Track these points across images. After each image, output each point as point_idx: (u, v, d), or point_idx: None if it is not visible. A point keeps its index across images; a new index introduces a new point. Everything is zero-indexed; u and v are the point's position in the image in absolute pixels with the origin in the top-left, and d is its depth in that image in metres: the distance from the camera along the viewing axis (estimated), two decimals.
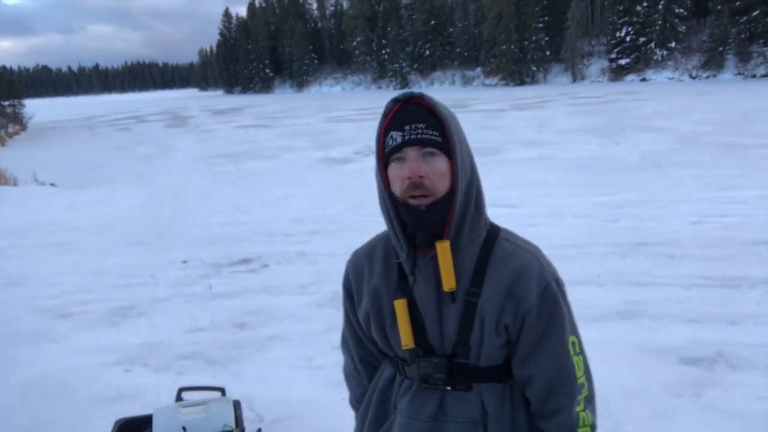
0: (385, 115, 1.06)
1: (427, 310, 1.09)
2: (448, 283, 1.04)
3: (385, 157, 1.06)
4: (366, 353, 1.30)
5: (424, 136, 1.02)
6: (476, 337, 1.07)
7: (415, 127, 1.02)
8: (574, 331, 1.12)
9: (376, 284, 1.16)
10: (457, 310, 1.07)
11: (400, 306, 1.09)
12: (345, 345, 1.35)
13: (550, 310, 1.07)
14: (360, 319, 1.22)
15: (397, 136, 1.03)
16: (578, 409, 1.10)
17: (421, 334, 1.10)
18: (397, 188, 1.04)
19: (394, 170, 1.04)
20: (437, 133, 1.03)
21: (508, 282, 1.06)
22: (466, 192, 1.05)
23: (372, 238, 1.25)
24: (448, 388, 1.11)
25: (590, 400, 1.13)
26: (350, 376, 1.37)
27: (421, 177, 1.01)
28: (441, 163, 1.02)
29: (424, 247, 1.07)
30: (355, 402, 1.37)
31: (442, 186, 1.03)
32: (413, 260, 1.09)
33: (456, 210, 1.04)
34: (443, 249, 1.03)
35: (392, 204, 1.06)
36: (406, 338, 1.09)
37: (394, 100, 1.06)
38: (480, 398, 1.11)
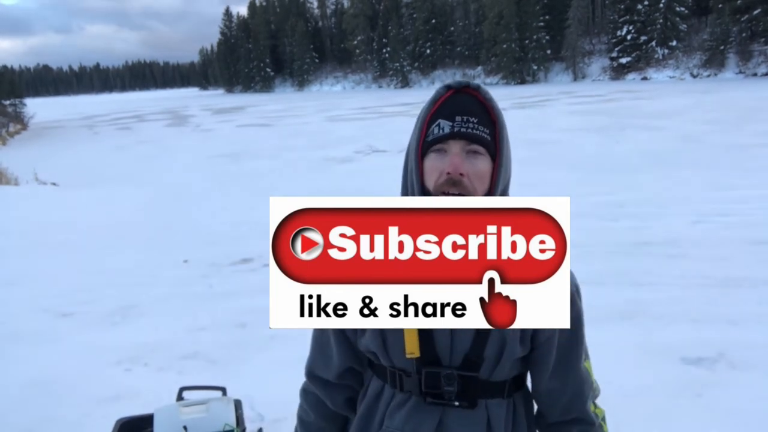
0: (434, 101, 0.98)
1: None
2: None
3: (425, 145, 0.98)
4: (352, 360, 1.13)
5: (474, 131, 0.95)
6: (494, 348, 0.99)
7: (466, 119, 0.95)
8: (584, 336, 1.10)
9: None
10: None
11: None
12: (311, 373, 1.19)
13: (576, 318, 1.02)
14: None
15: (445, 125, 0.95)
16: (592, 408, 1.10)
17: (428, 341, 0.99)
18: (431, 181, 0.97)
19: (433, 161, 0.96)
20: (488, 131, 0.96)
21: None
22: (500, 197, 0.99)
23: None
24: (456, 403, 1.00)
25: (596, 396, 1.13)
26: (314, 408, 1.19)
27: (461, 175, 0.94)
28: (484, 164, 0.96)
29: None
30: None
31: (481, 188, 0.96)
32: None
33: None
34: None
35: (422, 195, 0.98)
36: (411, 345, 0.99)
37: (447, 87, 0.98)
38: (486, 415, 1.02)
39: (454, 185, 0.94)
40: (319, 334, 1.17)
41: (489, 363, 1.00)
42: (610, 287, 4.48)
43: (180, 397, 2.41)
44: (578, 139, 13.86)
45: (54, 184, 11.98)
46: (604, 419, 1.13)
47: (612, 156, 11.32)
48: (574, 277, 1.03)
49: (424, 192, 0.98)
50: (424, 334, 0.99)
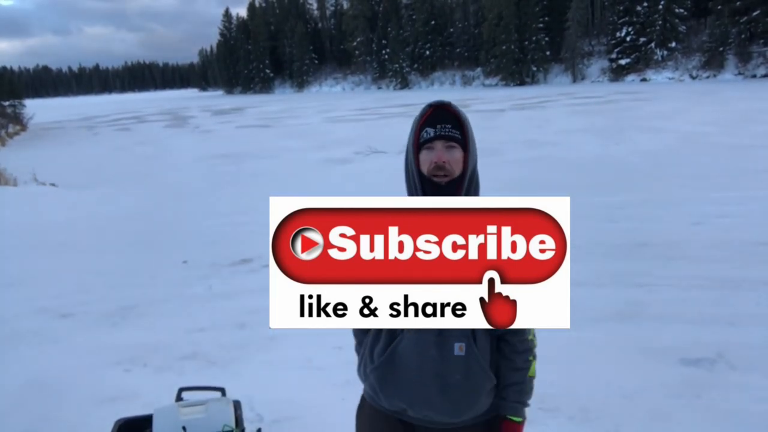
0: (422, 115, 1.45)
1: None
2: None
3: (419, 145, 1.44)
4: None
5: (450, 133, 1.42)
6: None
7: (444, 126, 1.42)
8: None
9: None
10: None
11: None
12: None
13: None
14: None
15: (430, 131, 1.42)
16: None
17: None
18: (425, 168, 1.42)
19: (425, 155, 1.42)
20: (458, 132, 1.43)
21: None
22: (471, 175, 1.45)
23: None
24: None
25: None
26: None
27: (444, 162, 1.40)
28: (459, 153, 1.42)
29: None
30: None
31: (457, 170, 1.42)
32: None
33: (464, 186, 1.43)
34: None
35: (419, 179, 1.43)
36: None
37: (429, 105, 1.46)
38: None
39: (440, 169, 1.40)
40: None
41: None
42: (609, 288, 4.48)
43: (179, 398, 2.41)
44: (578, 141, 13.86)
45: (53, 184, 11.96)
46: (534, 355, 1.47)
47: (611, 157, 11.33)
48: None
49: (421, 175, 1.43)
50: None
